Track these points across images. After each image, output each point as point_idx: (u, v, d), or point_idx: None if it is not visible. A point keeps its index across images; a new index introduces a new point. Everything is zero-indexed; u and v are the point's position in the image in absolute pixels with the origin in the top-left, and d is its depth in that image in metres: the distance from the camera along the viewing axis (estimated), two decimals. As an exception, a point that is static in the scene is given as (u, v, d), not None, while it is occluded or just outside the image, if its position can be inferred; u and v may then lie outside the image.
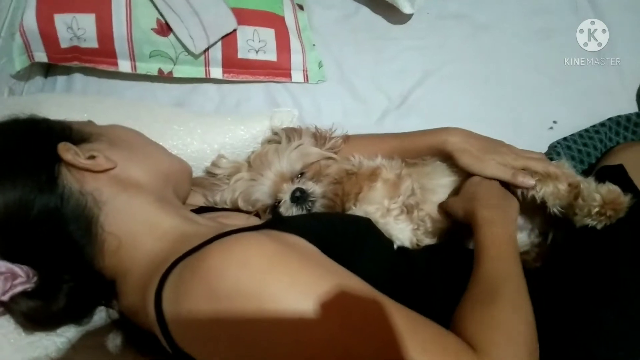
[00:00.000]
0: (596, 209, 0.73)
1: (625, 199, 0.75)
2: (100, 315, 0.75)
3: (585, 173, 1.02)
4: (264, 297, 0.51)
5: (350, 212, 0.80)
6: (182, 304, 0.53)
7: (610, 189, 0.75)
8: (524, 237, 0.86)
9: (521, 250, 0.76)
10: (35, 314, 0.64)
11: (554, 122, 1.15)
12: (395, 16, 1.30)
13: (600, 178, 0.90)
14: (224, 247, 0.55)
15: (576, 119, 1.13)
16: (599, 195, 0.74)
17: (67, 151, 0.64)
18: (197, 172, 0.93)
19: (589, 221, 0.75)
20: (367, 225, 0.74)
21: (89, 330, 0.73)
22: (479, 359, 0.55)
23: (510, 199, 0.78)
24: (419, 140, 0.86)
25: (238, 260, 0.53)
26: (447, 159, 0.86)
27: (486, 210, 0.73)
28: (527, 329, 0.60)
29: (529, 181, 0.77)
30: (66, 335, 0.72)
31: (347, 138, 0.93)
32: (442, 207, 0.85)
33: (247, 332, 0.52)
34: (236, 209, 0.86)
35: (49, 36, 1.07)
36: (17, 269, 0.61)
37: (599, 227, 0.74)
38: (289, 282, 0.53)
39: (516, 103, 1.19)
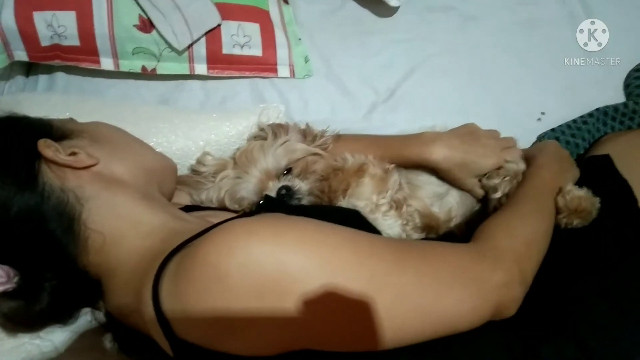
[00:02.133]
0: (563, 218, 0.76)
1: (588, 205, 0.76)
2: (85, 318, 0.74)
3: (574, 164, 1.03)
4: (281, 263, 0.50)
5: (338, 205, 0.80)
6: (186, 295, 0.51)
7: (574, 196, 0.77)
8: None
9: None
10: (17, 315, 0.64)
11: (542, 113, 1.15)
12: (382, 9, 1.29)
13: (587, 169, 0.91)
14: (223, 229, 0.53)
15: (564, 110, 1.13)
16: (562, 202, 0.76)
17: (47, 147, 0.63)
18: (182, 170, 0.92)
19: (563, 224, 0.77)
20: (356, 217, 0.74)
21: (74, 333, 0.73)
22: (478, 254, 0.61)
23: (573, 168, 0.88)
24: (404, 151, 0.88)
25: (243, 233, 0.51)
26: None
27: (547, 159, 0.85)
28: (532, 234, 0.68)
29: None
30: (50, 338, 0.71)
31: (337, 137, 0.93)
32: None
33: (269, 305, 0.50)
34: (223, 208, 0.85)
35: (28, 34, 1.05)
36: (-2, 268, 0.60)
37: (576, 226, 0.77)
38: (299, 243, 0.52)
39: (504, 95, 1.18)
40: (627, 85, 1.16)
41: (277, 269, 0.49)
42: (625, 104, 1.07)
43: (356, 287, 0.52)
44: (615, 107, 1.07)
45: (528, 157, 0.88)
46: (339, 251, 0.53)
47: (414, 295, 0.54)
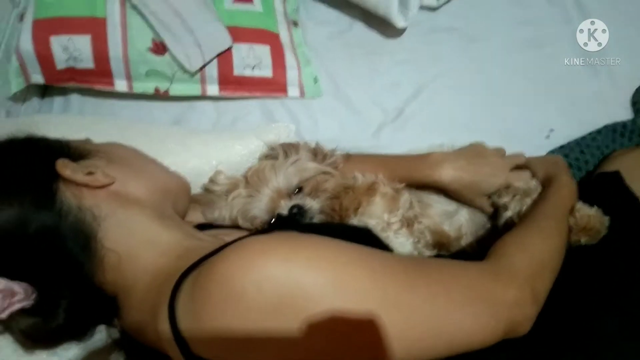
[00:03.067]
0: (572, 236, 0.77)
1: (597, 224, 0.77)
2: (101, 336, 0.75)
3: (583, 181, 1.03)
4: (296, 281, 0.50)
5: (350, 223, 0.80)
6: (203, 313, 0.51)
7: (583, 214, 0.78)
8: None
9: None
10: (34, 331, 0.64)
11: (551, 130, 1.15)
12: (388, 31, 1.31)
13: (597, 185, 0.92)
14: (238, 246, 0.54)
15: (572, 127, 1.13)
16: (572, 221, 0.77)
17: (65, 167, 0.65)
18: (195, 189, 0.93)
19: (571, 242, 0.78)
20: (368, 235, 0.74)
21: (89, 351, 0.73)
22: (492, 273, 0.61)
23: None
24: (413, 173, 0.89)
25: (258, 251, 0.52)
26: None
27: (568, 177, 0.85)
28: (547, 253, 0.68)
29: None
30: (66, 355, 0.72)
31: (347, 157, 0.94)
32: (524, 165, 0.92)
33: (284, 323, 0.50)
34: (236, 226, 0.86)
35: (45, 58, 1.07)
36: (16, 286, 0.61)
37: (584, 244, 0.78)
38: (314, 261, 0.52)
39: (511, 112, 1.19)
40: (634, 103, 1.16)
41: (292, 287, 0.50)
42: (633, 121, 1.08)
43: (369, 306, 0.52)
44: (623, 124, 1.08)
45: (547, 174, 0.88)
46: (352, 269, 0.54)
47: (427, 314, 0.55)
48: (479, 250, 0.86)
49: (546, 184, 0.85)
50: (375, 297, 0.53)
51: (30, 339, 0.67)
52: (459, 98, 1.22)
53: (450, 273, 0.60)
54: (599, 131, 1.10)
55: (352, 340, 0.52)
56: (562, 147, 1.11)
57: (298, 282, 0.50)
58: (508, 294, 0.59)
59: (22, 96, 1.16)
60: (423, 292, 0.55)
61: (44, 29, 1.07)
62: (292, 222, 0.79)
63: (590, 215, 0.78)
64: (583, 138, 1.10)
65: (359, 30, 1.33)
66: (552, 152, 1.12)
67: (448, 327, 0.55)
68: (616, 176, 0.89)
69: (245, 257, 0.51)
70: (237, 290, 0.49)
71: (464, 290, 0.58)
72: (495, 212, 0.90)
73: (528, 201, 0.84)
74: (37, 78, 1.11)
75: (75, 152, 0.70)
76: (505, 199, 0.86)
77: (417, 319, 0.54)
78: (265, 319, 0.50)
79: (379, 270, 0.55)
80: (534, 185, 0.87)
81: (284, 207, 0.81)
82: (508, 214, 0.85)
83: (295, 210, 0.80)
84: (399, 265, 0.58)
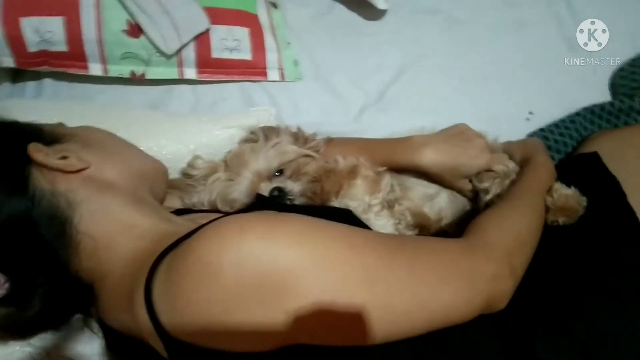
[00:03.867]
0: (549, 216, 0.78)
1: (574, 204, 0.78)
2: (77, 325, 0.74)
3: (562, 162, 1.04)
4: (275, 258, 0.50)
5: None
6: (179, 292, 0.50)
7: (561, 194, 0.79)
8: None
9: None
10: (8, 322, 0.63)
11: (530, 113, 1.16)
12: (370, 12, 1.29)
13: (576, 166, 0.92)
14: (215, 225, 0.53)
15: (552, 109, 1.14)
16: (549, 200, 0.78)
17: (38, 152, 0.63)
18: (173, 174, 0.91)
19: (549, 221, 0.79)
20: (349, 216, 0.74)
21: (66, 340, 0.72)
22: (470, 247, 0.62)
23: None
24: (394, 156, 0.88)
25: (236, 229, 0.51)
26: None
27: (545, 158, 0.87)
28: (524, 230, 0.70)
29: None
30: (41, 345, 0.70)
31: (329, 141, 0.93)
32: (503, 149, 0.94)
33: (264, 300, 0.50)
34: (214, 210, 0.85)
35: (15, 40, 1.04)
36: (-12, 276, 0.59)
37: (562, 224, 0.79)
38: (293, 237, 0.52)
39: (492, 95, 1.19)
40: (612, 85, 1.18)
41: (271, 263, 0.49)
42: (611, 103, 1.09)
43: (350, 281, 0.52)
44: (601, 106, 1.09)
45: (525, 154, 0.89)
46: (332, 245, 0.53)
47: (408, 288, 0.55)
48: (459, 232, 0.86)
49: (523, 165, 0.87)
50: (355, 272, 0.53)
51: (5, 329, 0.66)
52: (442, 80, 1.22)
53: (429, 248, 0.60)
54: (577, 113, 1.10)
55: (335, 316, 0.52)
56: (541, 129, 1.12)
57: (277, 259, 0.50)
58: (486, 268, 0.59)
59: (-8, 80, 1.12)
60: (403, 266, 0.56)
61: (14, 9, 1.03)
62: (273, 203, 0.78)
63: (567, 195, 0.79)
64: (562, 120, 1.11)
65: (340, 11, 1.32)
66: (532, 134, 1.12)
67: (428, 301, 0.56)
68: (594, 157, 0.89)
69: (222, 235, 0.50)
70: (214, 268, 0.49)
71: (443, 265, 0.58)
72: (475, 195, 0.90)
73: (507, 183, 0.85)
74: (7, 61, 1.07)
75: (48, 136, 0.68)
76: (485, 183, 0.87)
77: (397, 293, 0.54)
78: (244, 297, 0.49)
79: (359, 245, 0.55)
80: (512, 167, 0.87)
81: (265, 190, 0.80)
82: (488, 197, 0.86)
83: (275, 193, 0.80)
84: (378, 242, 0.58)
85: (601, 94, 1.17)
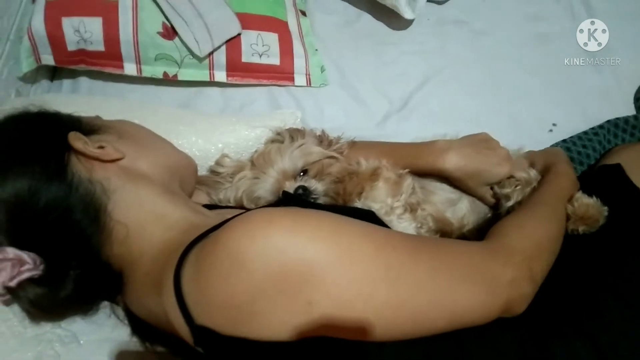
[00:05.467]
0: (570, 224, 0.79)
1: (595, 213, 0.78)
2: (105, 312, 0.76)
3: (585, 174, 1.04)
4: (300, 251, 0.51)
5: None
6: (207, 280, 0.52)
7: (582, 203, 0.79)
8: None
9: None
10: (41, 301, 0.65)
11: (554, 124, 1.16)
12: (396, 22, 1.32)
13: (598, 177, 0.93)
14: (244, 217, 0.54)
15: (574, 121, 1.15)
16: (570, 209, 0.79)
17: (77, 140, 0.66)
18: (201, 171, 0.94)
19: (569, 230, 0.79)
20: (372, 217, 0.75)
21: (94, 324, 0.74)
22: (490, 251, 0.63)
23: (577, 182, 0.89)
24: (417, 160, 0.89)
25: (263, 221, 0.52)
26: None
27: (567, 167, 0.88)
28: (544, 236, 0.70)
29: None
30: (70, 328, 0.73)
31: (353, 144, 0.95)
32: (524, 158, 0.94)
33: (288, 291, 0.51)
34: (240, 207, 0.87)
35: (56, 39, 1.09)
36: (25, 255, 0.62)
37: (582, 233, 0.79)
38: (318, 232, 0.53)
39: (515, 106, 1.20)
40: (637, 99, 1.18)
41: (296, 256, 0.51)
42: (635, 117, 1.09)
43: (373, 277, 0.53)
44: (625, 119, 1.09)
45: (546, 163, 0.90)
46: (357, 241, 0.55)
47: (427, 288, 0.56)
48: (479, 239, 0.87)
49: (545, 173, 0.87)
50: (378, 269, 0.54)
51: (38, 308, 0.68)
52: (464, 90, 1.23)
53: (450, 250, 0.61)
54: (601, 126, 1.11)
55: (357, 310, 0.53)
56: (564, 141, 1.12)
57: (302, 253, 0.51)
58: (506, 272, 0.60)
59: (32, 77, 1.17)
60: (425, 266, 0.57)
61: (56, 10, 1.08)
62: (298, 200, 0.80)
63: (588, 204, 0.79)
64: (585, 133, 1.11)
65: (367, 20, 1.34)
66: (555, 145, 1.12)
67: (448, 301, 0.56)
68: (617, 168, 0.89)
69: (250, 226, 0.52)
70: (241, 258, 0.50)
71: (464, 266, 0.59)
72: (496, 202, 0.91)
73: (528, 190, 0.85)
74: (48, 59, 1.12)
75: (86, 126, 0.71)
76: (507, 190, 0.87)
77: (417, 292, 0.55)
78: (268, 288, 0.50)
79: (382, 244, 0.56)
80: (534, 175, 0.88)
81: (289, 188, 0.82)
82: (509, 203, 0.86)
83: (300, 191, 0.82)
84: (401, 240, 0.59)
85: (625, 108, 1.17)
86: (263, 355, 0.53)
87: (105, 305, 0.76)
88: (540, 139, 1.14)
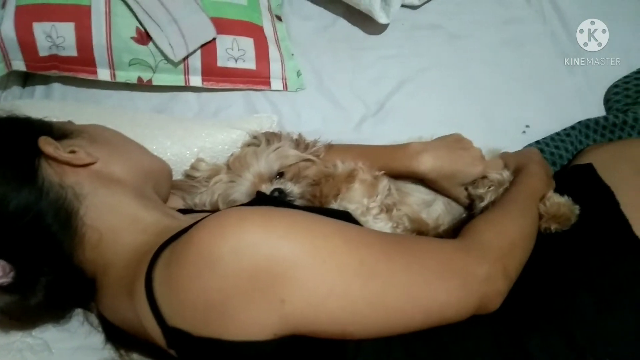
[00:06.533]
0: (543, 223, 0.80)
1: (567, 211, 0.80)
2: (78, 319, 0.75)
3: (557, 174, 1.06)
4: (272, 248, 0.51)
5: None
6: (178, 279, 0.52)
7: (553, 202, 0.80)
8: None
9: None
10: (12, 309, 0.64)
11: (527, 126, 1.18)
12: (372, 27, 1.33)
13: (571, 177, 0.94)
14: (216, 216, 0.54)
15: (547, 123, 1.16)
16: (542, 208, 0.80)
17: (47, 144, 0.65)
18: (176, 176, 0.93)
19: (542, 229, 0.81)
20: (347, 217, 0.76)
21: (66, 332, 0.73)
22: (464, 248, 0.63)
23: (551, 178, 0.92)
24: (392, 163, 0.90)
25: (235, 219, 0.52)
26: None
27: (538, 167, 0.88)
28: (517, 234, 0.71)
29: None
30: (41, 337, 0.72)
31: (329, 147, 0.95)
32: (500, 158, 0.95)
33: (260, 289, 0.51)
34: (216, 211, 0.87)
35: (27, 44, 1.07)
36: (-6, 262, 0.60)
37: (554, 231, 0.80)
38: (291, 230, 0.54)
39: (490, 108, 1.22)
40: (607, 100, 1.20)
41: (269, 254, 0.51)
42: (605, 118, 1.11)
43: (346, 273, 0.53)
44: (596, 121, 1.11)
45: (518, 164, 0.91)
46: (329, 238, 0.55)
47: (402, 284, 0.56)
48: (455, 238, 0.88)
49: (517, 173, 0.88)
50: (351, 265, 0.54)
51: (8, 317, 0.67)
52: (440, 93, 1.24)
53: (424, 247, 0.62)
54: (573, 127, 1.13)
55: (330, 307, 0.53)
56: (537, 142, 1.14)
57: (275, 250, 0.51)
58: (480, 268, 0.61)
59: (2, 83, 1.15)
60: (398, 262, 0.57)
61: (27, 15, 1.06)
62: (273, 200, 0.80)
63: (560, 203, 0.80)
64: (557, 134, 1.13)
65: (343, 25, 1.36)
66: (529, 146, 1.14)
67: (421, 298, 0.57)
68: (589, 168, 0.91)
69: (223, 224, 0.52)
70: (213, 256, 0.50)
71: (438, 263, 0.60)
72: (470, 203, 0.92)
73: (501, 191, 0.87)
74: (19, 65, 1.10)
75: (58, 131, 0.71)
76: (481, 190, 0.88)
77: (391, 289, 0.55)
78: (241, 287, 0.50)
79: (355, 240, 0.57)
80: (507, 175, 0.89)
81: (265, 191, 0.82)
82: (483, 204, 0.87)
83: (276, 194, 0.81)
84: (374, 238, 0.60)
85: (596, 109, 1.19)
86: (237, 356, 0.53)
87: (78, 313, 0.74)
88: (514, 140, 1.15)
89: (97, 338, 0.72)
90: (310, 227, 0.55)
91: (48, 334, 0.72)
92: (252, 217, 0.53)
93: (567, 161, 1.09)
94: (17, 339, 0.71)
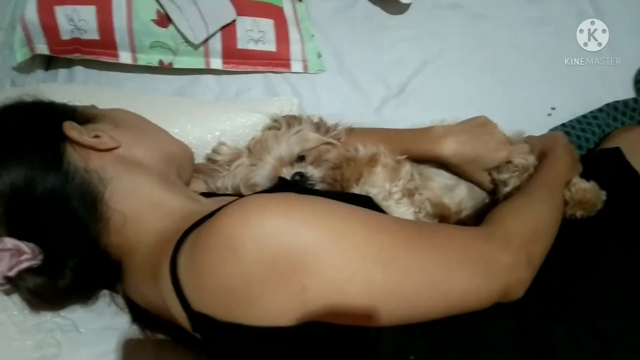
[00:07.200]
0: (568, 210, 0.78)
1: (593, 198, 0.78)
2: (105, 300, 0.76)
3: (584, 158, 1.04)
4: (293, 235, 0.51)
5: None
6: (202, 265, 0.52)
7: (579, 188, 0.78)
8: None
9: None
10: (41, 290, 0.65)
11: (552, 108, 1.16)
12: (393, 6, 1.31)
13: (598, 161, 0.92)
14: (238, 203, 0.55)
15: (574, 105, 1.14)
16: (567, 194, 0.78)
17: (72, 129, 0.66)
18: (198, 159, 0.94)
19: (567, 215, 0.79)
20: (369, 202, 0.75)
21: (94, 312, 0.75)
22: (487, 236, 0.62)
23: (578, 162, 0.89)
24: (415, 146, 0.89)
25: (257, 207, 0.53)
26: None
27: (563, 152, 0.85)
28: (541, 220, 0.70)
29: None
30: (70, 317, 0.73)
31: (350, 130, 0.94)
32: (524, 142, 0.93)
33: (282, 275, 0.51)
34: (238, 195, 0.87)
35: (50, 28, 1.08)
36: (23, 245, 0.62)
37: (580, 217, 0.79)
38: (311, 217, 0.54)
39: (513, 90, 1.19)
40: (636, 81, 1.17)
41: (290, 240, 0.51)
42: (635, 99, 1.08)
43: (366, 260, 0.53)
44: (625, 102, 1.09)
45: (543, 148, 0.89)
46: (350, 226, 0.55)
47: (423, 271, 0.56)
48: (477, 224, 0.87)
49: (542, 158, 0.87)
50: (371, 252, 0.54)
51: (37, 298, 0.68)
52: (463, 74, 1.22)
53: (445, 235, 0.61)
54: (600, 109, 1.10)
55: (351, 294, 0.53)
56: (563, 125, 1.12)
57: (296, 237, 0.52)
58: (503, 257, 0.60)
59: (26, 67, 1.16)
60: (419, 249, 0.57)
61: (49, -2, 1.07)
62: (294, 186, 0.80)
63: (585, 189, 0.79)
64: (584, 116, 1.11)
65: (363, 5, 1.33)
66: (554, 129, 1.12)
67: (442, 286, 0.56)
68: (617, 152, 0.89)
69: (245, 212, 0.52)
70: (236, 243, 0.50)
71: (459, 251, 0.59)
72: (494, 188, 0.91)
73: (525, 176, 0.85)
74: (42, 48, 1.11)
75: (82, 116, 0.71)
76: (505, 175, 0.87)
77: (412, 276, 0.55)
78: (263, 273, 0.51)
79: (375, 227, 0.56)
80: (531, 160, 0.87)
81: (286, 175, 0.82)
82: (507, 189, 0.86)
83: (297, 178, 0.81)
84: (394, 225, 0.59)
85: (625, 91, 1.16)
86: (260, 340, 0.53)
87: (105, 294, 0.76)
88: (539, 123, 1.13)
89: (124, 319, 0.74)
90: (330, 214, 0.55)
91: (76, 315, 0.74)
92: (274, 204, 0.53)
93: (594, 145, 1.07)
94: (48, 318, 0.73)
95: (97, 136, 0.67)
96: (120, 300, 0.75)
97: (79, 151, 0.66)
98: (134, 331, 0.73)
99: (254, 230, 0.51)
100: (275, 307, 0.52)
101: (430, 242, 0.58)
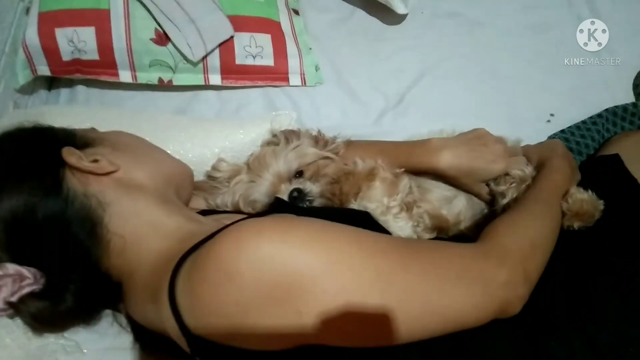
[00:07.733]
0: (565, 221, 0.78)
1: (590, 208, 0.78)
2: (108, 320, 0.77)
3: (583, 165, 1.04)
4: (289, 260, 0.52)
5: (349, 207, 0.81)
6: (199, 292, 0.53)
7: (576, 199, 0.78)
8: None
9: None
10: (43, 315, 0.66)
11: (551, 114, 1.16)
12: (390, 17, 1.31)
13: (597, 168, 0.92)
14: (234, 228, 0.55)
15: (573, 111, 1.14)
16: (565, 206, 0.78)
17: (71, 155, 0.67)
18: (198, 177, 0.95)
19: (565, 226, 0.79)
20: (367, 218, 0.75)
21: (97, 334, 0.75)
22: (484, 253, 0.62)
23: (576, 171, 0.89)
24: (412, 159, 0.89)
25: (252, 232, 0.53)
26: None
27: (561, 162, 0.85)
28: (539, 235, 0.69)
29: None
30: (73, 338, 0.74)
31: (348, 144, 0.95)
32: (522, 151, 0.93)
33: (278, 301, 0.51)
34: (238, 212, 0.88)
35: (51, 50, 1.09)
36: (25, 271, 0.63)
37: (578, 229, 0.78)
38: (307, 242, 0.54)
39: (513, 97, 1.19)
40: (635, 86, 1.16)
41: (285, 266, 0.52)
42: (634, 104, 1.08)
43: (363, 283, 0.54)
44: (624, 107, 1.08)
45: (541, 158, 0.89)
46: (345, 249, 0.55)
47: (421, 291, 0.56)
48: (477, 235, 0.87)
49: (540, 168, 0.86)
50: (368, 276, 0.54)
51: (40, 322, 0.69)
52: (461, 83, 1.22)
53: (441, 253, 0.61)
54: (599, 115, 1.10)
55: (348, 318, 0.53)
56: (562, 131, 1.11)
57: (292, 262, 0.52)
58: (500, 273, 0.60)
59: (29, 88, 1.18)
60: (415, 270, 0.57)
61: (49, 21, 1.08)
62: (289, 205, 0.80)
63: (582, 200, 0.78)
64: (584, 122, 1.10)
65: (361, 17, 1.34)
66: (553, 136, 1.12)
67: (440, 305, 0.57)
68: (615, 159, 0.89)
69: (240, 237, 0.53)
70: (232, 269, 0.51)
71: (456, 269, 0.59)
72: (492, 199, 0.91)
73: (523, 188, 0.85)
74: (44, 70, 1.13)
75: (80, 140, 0.72)
76: (502, 187, 0.87)
77: (410, 296, 0.55)
78: (260, 299, 0.51)
79: (371, 249, 0.57)
80: (529, 171, 0.87)
81: (285, 191, 0.82)
82: (505, 201, 0.86)
83: (295, 194, 0.82)
84: (390, 245, 0.59)
85: (624, 95, 1.16)
86: None
87: (107, 314, 0.77)
88: (538, 129, 1.13)
89: (126, 338, 0.75)
90: (327, 238, 0.55)
91: (79, 336, 0.75)
92: (268, 229, 0.54)
93: (594, 150, 1.06)
94: (51, 340, 0.74)
95: (95, 160, 0.68)
96: (122, 319, 0.76)
97: (78, 176, 0.67)
98: (137, 351, 0.74)
99: (250, 257, 0.51)
100: (273, 332, 0.52)
101: (427, 262, 0.58)
